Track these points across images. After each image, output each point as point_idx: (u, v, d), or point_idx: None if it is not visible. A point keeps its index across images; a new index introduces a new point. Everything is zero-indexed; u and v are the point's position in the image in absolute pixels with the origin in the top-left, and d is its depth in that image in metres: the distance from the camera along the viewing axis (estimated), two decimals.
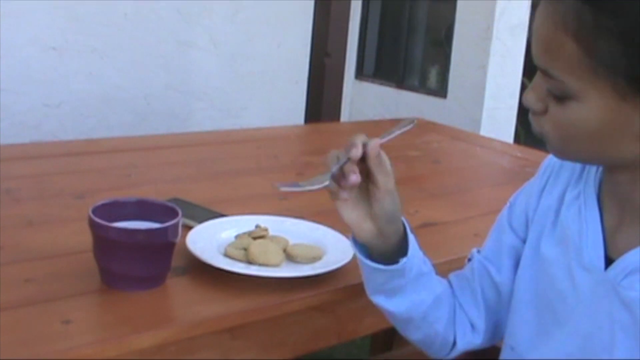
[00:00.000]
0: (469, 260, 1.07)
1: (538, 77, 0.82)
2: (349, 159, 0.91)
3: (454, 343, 1.05)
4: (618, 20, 0.73)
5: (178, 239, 1.09)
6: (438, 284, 1.04)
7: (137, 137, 2.46)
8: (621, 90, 0.76)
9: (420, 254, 1.01)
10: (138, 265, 1.06)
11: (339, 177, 0.93)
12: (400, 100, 5.08)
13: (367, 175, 0.94)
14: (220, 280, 1.10)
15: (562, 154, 0.87)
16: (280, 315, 1.10)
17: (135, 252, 1.05)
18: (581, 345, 0.88)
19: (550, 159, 0.98)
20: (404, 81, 5.15)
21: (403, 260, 0.96)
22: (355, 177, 0.91)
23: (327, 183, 0.92)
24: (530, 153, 2.16)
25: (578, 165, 0.93)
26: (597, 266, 0.86)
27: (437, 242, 1.39)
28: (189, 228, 1.22)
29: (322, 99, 2.91)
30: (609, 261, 0.85)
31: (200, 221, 1.27)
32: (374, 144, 0.91)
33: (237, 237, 1.22)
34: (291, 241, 1.23)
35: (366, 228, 0.96)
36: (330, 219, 1.33)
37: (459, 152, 2.27)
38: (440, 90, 4.76)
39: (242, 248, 1.17)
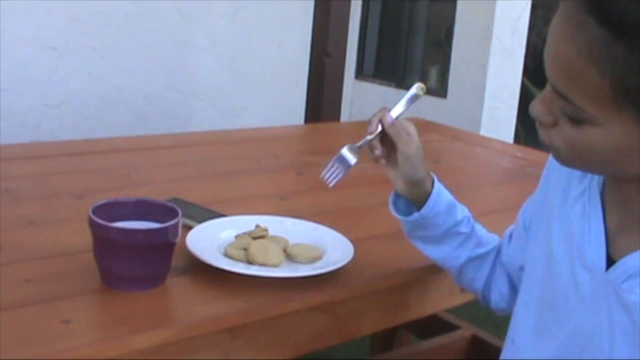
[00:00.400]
0: None
1: (549, 92, 0.80)
2: (372, 135, 1.07)
3: (489, 303, 1.16)
4: None
5: (178, 239, 1.09)
6: (478, 248, 1.12)
7: (137, 137, 2.46)
8: None
9: (458, 216, 1.09)
10: (138, 265, 1.06)
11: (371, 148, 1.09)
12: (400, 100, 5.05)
13: None
14: (220, 280, 1.10)
15: (570, 165, 0.87)
16: (280, 315, 1.10)
17: (135, 252, 1.05)
18: (581, 344, 0.88)
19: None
20: (404, 81, 5.14)
21: (415, 216, 1.07)
22: (377, 151, 1.08)
23: (355, 161, 1.10)
24: (530, 153, 2.16)
25: None
26: (599, 266, 0.86)
27: None
28: (189, 228, 1.22)
29: (322, 99, 2.90)
30: (610, 262, 0.85)
31: (200, 221, 1.27)
32: (385, 115, 1.07)
33: (237, 237, 1.22)
34: (291, 241, 1.23)
35: (399, 185, 1.09)
36: (330, 219, 1.33)
37: (459, 152, 2.27)
38: (440, 90, 4.75)
39: (242, 248, 1.17)
